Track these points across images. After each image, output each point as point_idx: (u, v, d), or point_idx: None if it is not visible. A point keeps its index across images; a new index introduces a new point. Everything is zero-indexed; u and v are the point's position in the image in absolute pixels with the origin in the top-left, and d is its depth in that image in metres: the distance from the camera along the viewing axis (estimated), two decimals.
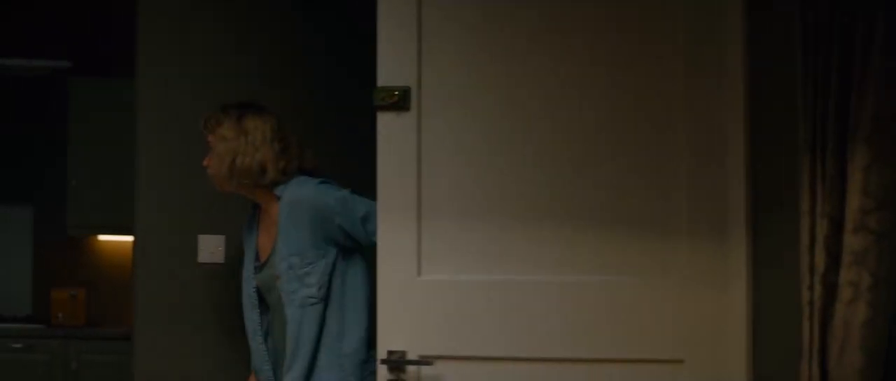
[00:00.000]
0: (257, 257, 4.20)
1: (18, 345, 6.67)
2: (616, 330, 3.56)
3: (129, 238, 6.30)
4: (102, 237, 7.46)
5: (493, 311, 3.60)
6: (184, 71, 5.25)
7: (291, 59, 5.32)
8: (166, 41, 5.23)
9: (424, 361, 3.56)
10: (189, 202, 5.21)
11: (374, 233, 3.92)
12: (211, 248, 5.17)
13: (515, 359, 3.61)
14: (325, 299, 4.01)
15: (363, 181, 4.09)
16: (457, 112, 3.69)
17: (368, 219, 4.01)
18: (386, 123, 3.66)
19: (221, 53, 5.28)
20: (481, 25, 3.69)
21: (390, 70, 3.68)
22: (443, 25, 3.69)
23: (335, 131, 5.31)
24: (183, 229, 5.20)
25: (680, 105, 3.58)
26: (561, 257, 3.59)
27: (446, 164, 3.68)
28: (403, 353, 3.54)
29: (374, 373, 3.80)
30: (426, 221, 3.64)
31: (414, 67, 3.68)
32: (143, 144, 5.22)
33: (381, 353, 3.55)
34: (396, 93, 3.64)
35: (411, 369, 3.55)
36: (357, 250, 4.08)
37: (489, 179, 3.65)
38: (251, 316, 4.20)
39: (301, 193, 4.06)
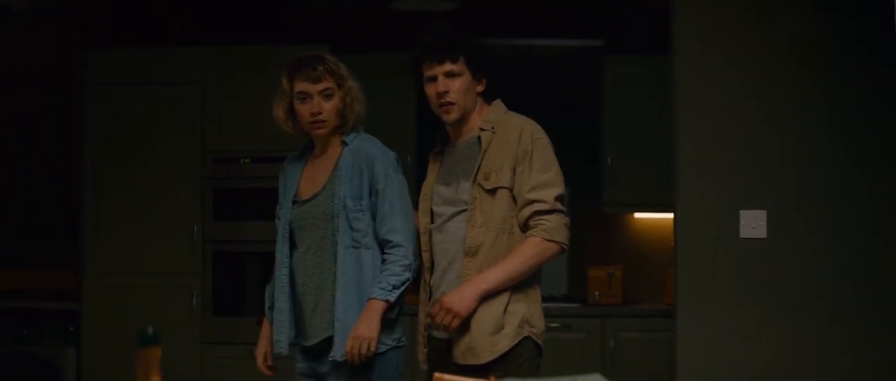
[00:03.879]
0: (297, 194, 4.47)
1: (556, 324, 6.88)
2: None
3: (666, 215, 6.60)
4: (638, 215, 7.64)
5: None
6: (720, 46, 5.51)
7: (819, 38, 5.47)
8: (701, 16, 5.51)
9: None
10: (729, 177, 5.47)
11: (386, 230, 4.26)
12: (753, 223, 5.42)
13: None
14: (369, 248, 4.30)
15: None
16: None
17: (389, 214, 4.29)
18: None
19: (755, 28, 5.51)
20: None
21: None
22: None
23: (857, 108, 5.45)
24: (724, 205, 5.47)
25: None
26: None
27: None
28: None
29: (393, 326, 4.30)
30: None
31: None
32: (681, 120, 5.52)
33: None
34: None
35: None
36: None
37: None
38: (282, 248, 4.45)
39: (369, 146, 4.36)
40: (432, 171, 4.39)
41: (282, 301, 4.43)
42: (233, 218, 7.23)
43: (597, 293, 7.38)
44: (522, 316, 4.14)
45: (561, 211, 4.14)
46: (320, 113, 4.33)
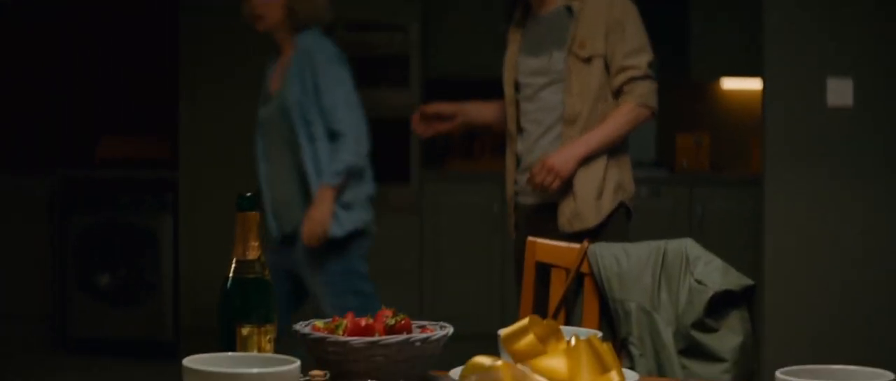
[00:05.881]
0: (268, 92, 4.76)
1: (644, 191, 6.89)
2: None
3: (754, 82, 6.65)
4: (726, 82, 7.67)
5: None
6: None
7: None
8: None
9: None
10: (818, 45, 5.55)
11: (331, 122, 4.54)
12: (840, 90, 5.50)
13: None
14: (321, 139, 4.57)
15: None
16: None
17: (332, 108, 4.55)
18: None
19: None
20: None
21: None
22: None
23: None
24: (812, 73, 5.55)
25: None
26: None
27: None
28: None
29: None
30: None
31: None
32: None
33: None
34: None
35: None
36: None
37: None
38: (259, 143, 4.78)
39: (310, 42, 4.61)
40: (513, 42, 4.43)
41: (264, 190, 4.77)
42: None
43: (684, 161, 7.47)
44: (617, 181, 4.27)
45: (652, 77, 4.25)
46: (256, 8, 4.64)
